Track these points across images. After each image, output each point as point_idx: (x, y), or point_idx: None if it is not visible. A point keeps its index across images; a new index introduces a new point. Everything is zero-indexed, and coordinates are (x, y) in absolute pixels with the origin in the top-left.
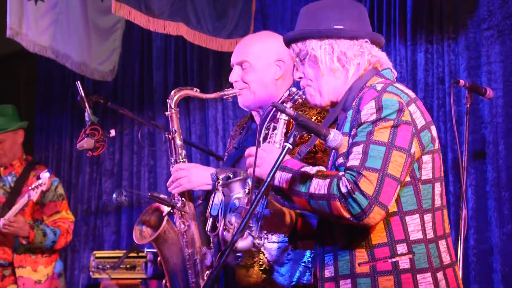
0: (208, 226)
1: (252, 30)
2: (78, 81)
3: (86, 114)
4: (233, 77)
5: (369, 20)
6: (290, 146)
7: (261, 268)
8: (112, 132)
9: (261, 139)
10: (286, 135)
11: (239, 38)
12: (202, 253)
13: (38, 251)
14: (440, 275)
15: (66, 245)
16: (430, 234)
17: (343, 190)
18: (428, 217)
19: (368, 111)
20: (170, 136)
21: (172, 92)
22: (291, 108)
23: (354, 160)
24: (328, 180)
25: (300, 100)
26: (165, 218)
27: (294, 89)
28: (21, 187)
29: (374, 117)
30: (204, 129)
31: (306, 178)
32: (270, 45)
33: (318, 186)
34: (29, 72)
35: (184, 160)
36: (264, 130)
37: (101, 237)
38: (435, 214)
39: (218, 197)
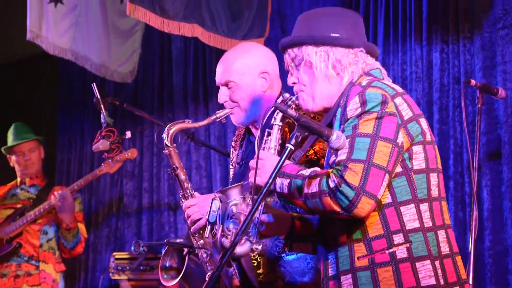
0: (206, 233)
1: (268, 31)
2: (94, 83)
3: (102, 116)
4: (221, 98)
5: (364, 30)
6: (292, 147)
7: (285, 282)
8: (128, 134)
9: (263, 145)
10: (281, 141)
11: (255, 39)
12: (229, 275)
13: (56, 253)
14: (437, 263)
15: (77, 255)
16: (428, 223)
17: (331, 185)
18: (424, 207)
19: (353, 106)
20: (173, 173)
21: (165, 130)
22: (293, 109)
23: (341, 155)
24: (318, 178)
25: (293, 106)
26: (186, 257)
27: (287, 95)
28: (46, 196)
29: (358, 111)
30: (222, 130)
31: (301, 180)
32: (251, 59)
33: (310, 186)
34: (52, 74)
35: (192, 193)
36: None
37: (122, 239)
38: (433, 204)
39: (215, 204)
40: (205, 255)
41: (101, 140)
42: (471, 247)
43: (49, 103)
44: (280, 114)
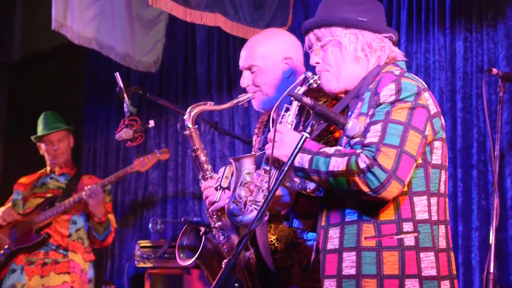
0: (218, 198)
1: (291, 19)
2: (117, 73)
3: (125, 105)
4: (244, 82)
5: (385, 16)
6: (308, 135)
7: (302, 268)
8: (151, 123)
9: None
10: (296, 117)
11: (278, 28)
12: (246, 259)
13: (85, 243)
14: (438, 256)
15: (108, 245)
16: (434, 217)
17: (362, 165)
18: (434, 200)
19: (387, 92)
20: (193, 154)
21: (187, 111)
22: (308, 98)
23: (372, 138)
24: (346, 158)
25: (315, 85)
26: (203, 237)
27: (309, 74)
28: (76, 186)
29: (393, 98)
30: (246, 119)
31: (325, 157)
32: (275, 44)
33: (336, 163)
34: (78, 64)
35: (212, 174)
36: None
37: (147, 227)
38: (440, 199)
39: (229, 170)
40: (222, 236)
41: (124, 129)
42: (492, 236)
43: (75, 93)
44: (302, 89)
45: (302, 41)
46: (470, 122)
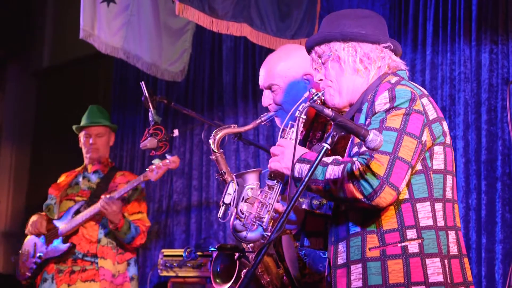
0: (220, 213)
1: (317, 29)
2: (142, 82)
3: (150, 114)
4: (265, 101)
5: (387, 29)
6: (329, 147)
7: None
8: (176, 132)
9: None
10: (302, 134)
11: (304, 38)
12: (280, 277)
13: (117, 245)
14: (446, 262)
15: (139, 245)
16: (440, 222)
17: (356, 172)
18: (439, 206)
19: (382, 101)
20: (221, 178)
21: (212, 135)
22: (330, 109)
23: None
24: (342, 165)
25: (319, 101)
26: (237, 262)
27: (313, 90)
28: (107, 185)
29: (387, 106)
30: (271, 130)
31: (323, 166)
32: (294, 61)
33: (333, 171)
34: (106, 73)
35: None
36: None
37: (171, 236)
38: (446, 204)
39: (232, 187)
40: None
41: (148, 138)
42: None
43: (102, 101)
44: (306, 106)
45: None
46: (495, 135)
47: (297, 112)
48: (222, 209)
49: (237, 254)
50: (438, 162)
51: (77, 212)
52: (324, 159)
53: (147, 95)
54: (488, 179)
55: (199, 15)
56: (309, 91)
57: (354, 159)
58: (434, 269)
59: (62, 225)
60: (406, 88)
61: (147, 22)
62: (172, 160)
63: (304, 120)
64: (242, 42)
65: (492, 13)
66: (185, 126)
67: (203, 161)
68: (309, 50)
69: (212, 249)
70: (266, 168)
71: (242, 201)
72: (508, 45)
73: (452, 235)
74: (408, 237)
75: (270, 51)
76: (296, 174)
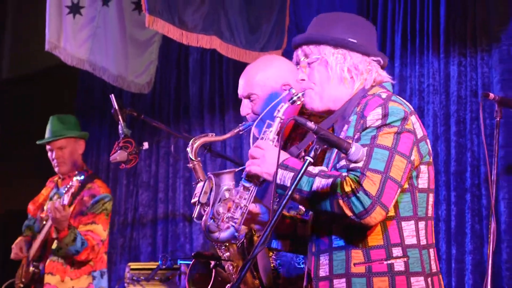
0: (195, 213)
1: (286, 42)
2: (112, 94)
3: (119, 127)
4: (244, 110)
5: (376, 41)
6: (312, 160)
7: None
8: (145, 145)
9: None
10: (279, 134)
11: (273, 51)
12: (255, 287)
13: (69, 261)
14: (429, 280)
15: (86, 261)
16: (423, 241)
17: (347, 189)
18: (422, 225)
19: (374, 117)
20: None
21: (190, 144)
22: (312, 122)
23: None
24: (331, 179)
25: (298, 102)
26: (213, 270)
27: (293, 91)
28: (75, 199)
29: (379, 122)
30: (239, 142)
31: (308, 177)
32: (272, 71)
33: (321, 184)
34: (70, 85)
35: None
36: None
37: (137, 249)
38: (428, 222)
39: (208, 185)
40: (231, 267)
41: (118, 151)
42: (489, 260)
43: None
44: (284, 107)
45: None
46: (464, 146)
47: (276, 111)
48: (197, 208)
49: (213, 263)
50: (423, 181)
51: (40, 231)
52: (310, 169)
53: (116, 107)
54: (457, 190)
55: (169, 27)
56: (289, 91)
57: (344, 174)
58: None
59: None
60: (398, 106)
61: (113, 34)
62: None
63: (281, 121)
64: (209, 54)
65: (460, 26)
66: (151, 139)
67: (169, 174)
68: (296, 46)
69: (181, 262)
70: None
71: (219, 202)
72: (476, 57)
73: (432, 252)
74: (394, 255)
75: (236, 63)
76: (278, 181)
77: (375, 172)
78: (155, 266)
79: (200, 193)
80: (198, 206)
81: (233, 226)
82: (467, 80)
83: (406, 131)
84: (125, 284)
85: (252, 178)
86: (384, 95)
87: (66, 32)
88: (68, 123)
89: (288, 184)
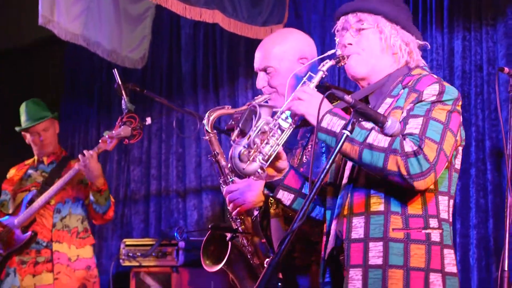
0: (234, 135)
1: (287, 17)
2: (115, 69)
3: (123, 102)
4: (259, 83)
5: None
6: (349, 134)
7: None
8: (148, 120)
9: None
10: (317, 87)
11: (274, 25)
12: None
13: (74, 230)
14: (454, 255)
15: (110, 219)
16: (450, 218)
17: (407, 149)
18: (451, 202)
19: (431, 92)
20: (214, 159)
21: (206, 116)
22: (350, 96)
23: (413, 129)
24: (388, 137)
25: (342, 64)
26: (229, 243)
27: (339, 52)
28: (60, 172)
29: (434, 98)
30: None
31: (361, 129)
32: (290, 44)
33: (377, 138)
34: (57, 61)
35: (233, 179)
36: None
37: (129, 225)
38: (451, 202)
39: (250, 114)
40: (245, 241)
41: (122, 126)
42: (506, 235)
43: (54, 90)
44: (329, 63)
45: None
46: (469, 121)
47: (321, 65)
48: (236, 131)
49: (229, 235)
50: (458, 162)
51: (31, 201)
52: (362, 122)
53: (120, 82)
54: (462, 165)
55: (172, 1)
56: (335, 50)
57: (402, 135)
58: (450, 260)
59: (16, 218)
60: (453, 88)
61: (106, 8)
62: (123, 129)
63: (326, 75)
64: (202, 29)
65: (464, 1)
66: (143, 114)
67: (162, 150)
68: (346, 12)
69: (179, 238)
70: None
71: (258, 132)
72: (481, 32)
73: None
74: (431, 226)
75: (232, 37)
76: (326, 125)
77: (432, 141)
78: (150, 242)
79: (243, 118)
80: (237, 130)
81: (259, 159)
82: (471, 54)
83: (457, 112)
84: (121, 261)
85: (293, 118)
86: (435, 76)
87: (59, 6)
88: (43, 106)
89: (337, 130)
